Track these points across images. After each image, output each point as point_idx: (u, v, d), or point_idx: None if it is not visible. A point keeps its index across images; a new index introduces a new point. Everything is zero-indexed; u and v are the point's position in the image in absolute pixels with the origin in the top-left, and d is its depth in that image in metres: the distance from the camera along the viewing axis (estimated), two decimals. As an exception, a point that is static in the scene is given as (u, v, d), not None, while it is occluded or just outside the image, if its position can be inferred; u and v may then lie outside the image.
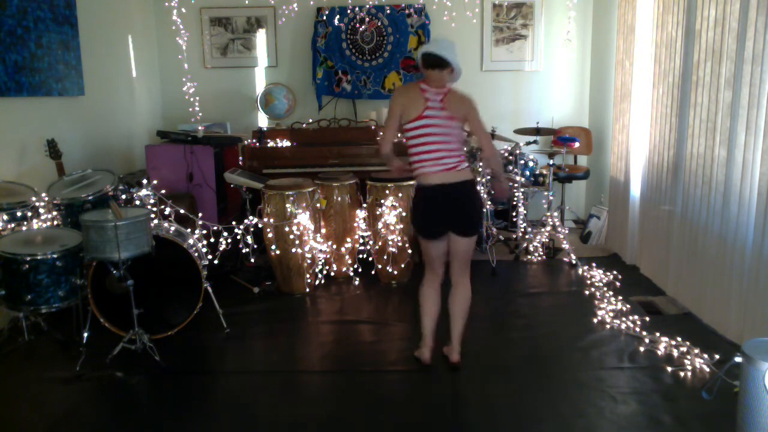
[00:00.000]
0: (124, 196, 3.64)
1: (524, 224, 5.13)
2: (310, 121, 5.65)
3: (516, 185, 4.95)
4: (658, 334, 3.40)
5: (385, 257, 4.32)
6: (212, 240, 4.00)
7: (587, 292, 4.15)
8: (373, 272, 4.53)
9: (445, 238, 3.03)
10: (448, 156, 2.92)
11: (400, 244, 4.27)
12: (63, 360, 3.23)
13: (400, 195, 4.25)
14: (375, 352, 3.36)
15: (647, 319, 3.63)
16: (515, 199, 5.02)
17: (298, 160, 5.05)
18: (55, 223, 3.47)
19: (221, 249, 4.07)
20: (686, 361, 3.12)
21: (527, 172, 5.17)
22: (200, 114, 5.75)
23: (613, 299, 3.95)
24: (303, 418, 2.72)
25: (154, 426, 2.69)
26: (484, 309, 4.03)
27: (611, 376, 3.01)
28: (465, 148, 3.02)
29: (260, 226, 4.17)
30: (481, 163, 4.81)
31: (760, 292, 3.05)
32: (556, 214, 5.06)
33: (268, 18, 5.89)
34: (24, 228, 3.34)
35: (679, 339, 3.33)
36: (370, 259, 4.51)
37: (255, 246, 4.23)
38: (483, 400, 2.84)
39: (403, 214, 4.23)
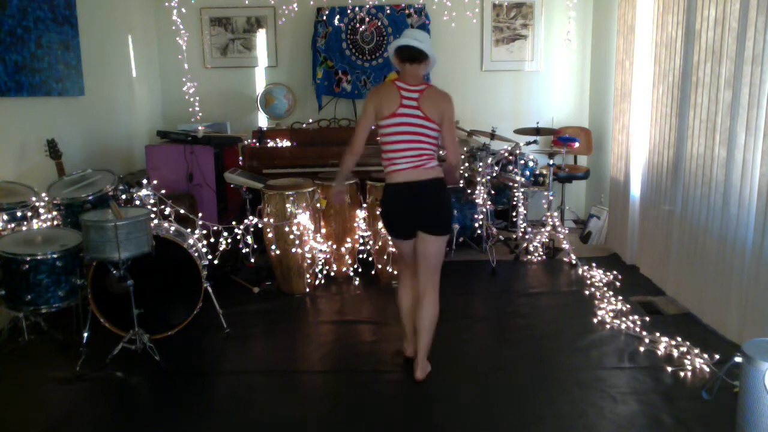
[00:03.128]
0: (124, 196, 3.64)
1: (524, 224, 5.13)
2: (310, 121, 5.65)
3: (516, 185, 4.95)
4: (658, 334, 3.40)
5: (385, 257, 4.32)
6: (212, 240, 4.00)
7: (587, 292, 4.15)
8: (373, 272, 4.53)
9: (414, 238, 2.98)
10: (418, 156, 2.85)
11: (400, 244, 4.27)
12: (63, 360, 3.23)
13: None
14: (374, 352, 3.36)
15: (647, 319, 3.63)
16: (515, 199, 5.02)
17: (298, 160, 5.05)
18: (55, 223, 3.47)
19: (221, 249, 4.07)
20: (686, 361, 3.12)
21: (527, 172, 5.17)
22: (200, 114, 5.75)
23: (613, 299, 3.95)
24: (303, 418, 2.72)
25: (154, 426, 2.69)
26: (484, 309, 4.03)
27: (611, 376, 3.01)
28: (437, 150, 2.92)
29: (260, 226, 4.17)
30: (480, 164, 4.81)
31: (760, 292, 3.05)
32: (556, 214, 5.06)
33: (268, 18, 5.89)
34: (24, 228, 3.34)
35: (679, 339, 3.33)
36: (370, 259, 4.51)
37: (255, 246, 4.23)
38: (483, 400, 2.84)
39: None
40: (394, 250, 4.27)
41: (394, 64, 2.92)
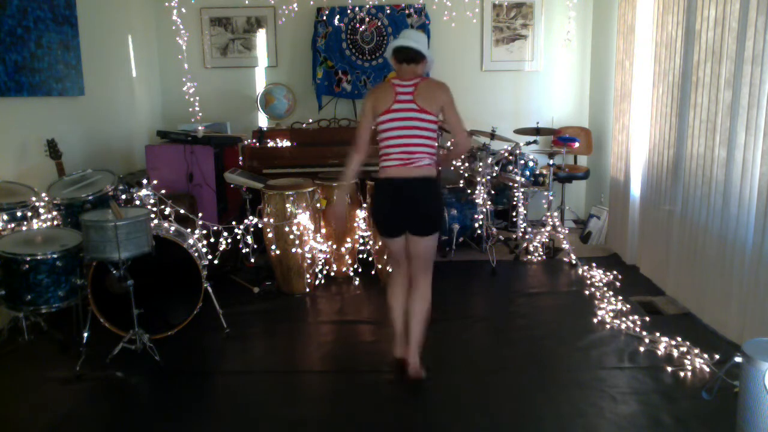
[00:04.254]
0: (124, 196, 3.64)
1: (524, 224, 5.13)
2: (310, 121, 5.65)
3: (516, 185, 4.95)
4: (658, 334, 3.40)
5: (385, 257, 4.32)
6: (212, 240, 4.00)
7: (587, 292, 4.15)
8: (373, 272, 4.53)
9: (404, 236, 2.94)
10: (412, 152, 2.81)
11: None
12: (63, 360, 3.23)
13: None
14: (374, 352, 3.36)
15: (647, 319, 3.63)
16: (515, 199, 5.02)
17: (298, 160, 5.05)
18: (55, 223, 3.47)
19: (221, 249, 4.07)
20: (686, 361, 3.12)
21: (527, 172, 5.17)
22: (200, 114, 5.75)
23: (613, 299, 3.95)
24: (303, 418, 2.72)
25: (154, 426, 2.69)
26: (484, 309, 4.03)
27: (611, 376, 3.01)
28: (434, 149, 2.89)
29: (260, 226, 4.17)
30: (480, 164, 4.81)
31: (760, 292, 3.05)
32: (556, 214, 5.06)
33: (268, 18, 5.89)
34: (24, 228, 3.34)
35: (679, 339, 3.33)
36: (370, 259, 4.51)
37: (255, 246, 4.23)
38: (483, 400, 2.84)
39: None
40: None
41: (392, 64, 2.92)
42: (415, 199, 2.84)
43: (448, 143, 4.84)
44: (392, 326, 3.08)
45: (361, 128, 2.94)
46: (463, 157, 5.10)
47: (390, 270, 3.07)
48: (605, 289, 4.17)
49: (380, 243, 4.31)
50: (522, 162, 5.06)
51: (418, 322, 2.95)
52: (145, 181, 3.82)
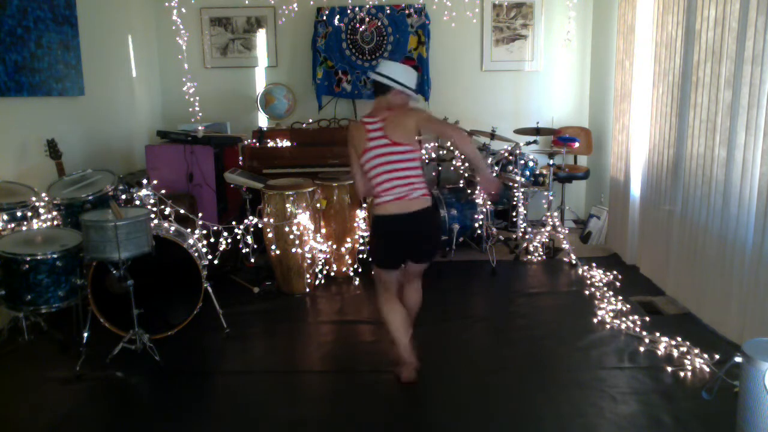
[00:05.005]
0: (124, 196, 3.64)
1: (524, 224, 5.13)
2: (310, 121, 5.65)
3: (516, 185, 4.95)
4: (658, 334, 3.40)
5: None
6: (212, 240, 4.00)
7: (587, 292, 4.15)
8: (373, 272, 4.52)
9: (402, 266, 2.99)
10: (399, 185, 2.81)
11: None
12: (63, 360, 3.23)
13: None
14: (374, 352, 3.36)
15: (647, 319, 3.63)
16: (515, 199, 5.02)
17: (298, 160, 5.05)
18: (55, 223, 3.47)
19: (221, 249, 4.07)
20: (686, 361, 3.12)
21: (527, 172, 5.17)
22: (200, 114, 5.74)
23: (613, 299, 3.95)
24: (303, 418, 2.72)
25: (154, 426, 2.69)
26: (484, 309, 4.03)
27: (611, 376, 3.01)
28: (422, 172, 2.89)
29: (260, 226, 4.17)
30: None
31: (760, 292, 3.05)
32: (556, 214, 5.06)
33: (268, 18, 5.89)
34: (24, 228, 3.34)
35: (679, 339, 3.33)
36: (370, 259, 4.50)
37: (255, 246, 4.23)
38: (483, 399, 2.84)
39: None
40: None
41: None
42: (416, 233, 2.88)
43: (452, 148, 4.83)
44: (395, 340, 2.95)
45: (354, 170, 2.98)
46: (463, 156, 5.10)
47: (381, 293, 3.01)
48: (605, 289, 4.17)
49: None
50: (522, 162, 5.05)
51: (411, 314, 3.02)
52: (145, 181, 3.82)
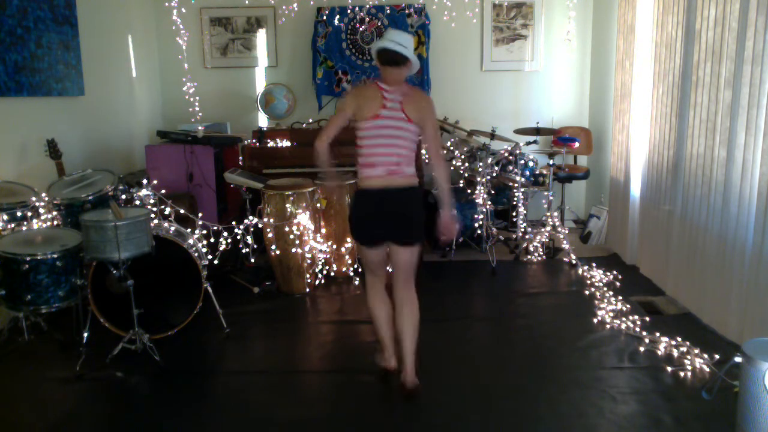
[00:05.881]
0: (124, 196, 3.64)
1: (524, 224, 5.13)
2: (310, 121, 5.65)
3: (516, 185, 4.95)
4: (658, 334, 3.40)
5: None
6: (212, 240, 4.00)
7: (587, 292, 4.15)
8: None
9: (384, 246, 2.86)
10: (396, 161, 2.74)
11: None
12: (63, 360, 3.23)
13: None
14: (375, 352, 3.35)
15: (647, 319, 3.63)
16: (515, 199, 5.02)
17: (298, 160, 5.04)
18: (55, 223, 3.47)
19: (221, 249, 4.07)
20: (686, 361, 3.12)
21: (527, 172, 5.18)
22: (200, 114, 5.75)
23: (613, 299, 3.95)
24: (303, 418, 2.72)
25: (154, 426, 2.69)
26: (484, 309, 4.03)
27: (611, 376, 3.01)
28: (413, 156, 2.82)
29: (260, 226, 4.17)
30: (480, 164, 4.81)
31: (760, 292, 3.05)
32: (556, 214, 5.06)
33: (268, 18, 5.89)
34: (24, 228, 3.34)
35: (679, 339, 3.33)
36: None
37: (255, 246, 4.23)
38: (483, 400, 2.84)
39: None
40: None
41: (377, 65, 2.83)
42: (399, 209, 2.77)
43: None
44: (377, 336, 2.96)
45: (331, 126, 2.79)
46: (463, 156, 5.10)
47: (367, 279, 2.97)
48: (605, 289, 4.17)
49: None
50: (522, 162, 5.06)
51: (411, 338, 2.86)
52: (145, 181, 3.82)
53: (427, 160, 5.50)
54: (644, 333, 3.44)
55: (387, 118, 2.74)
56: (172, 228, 3.61)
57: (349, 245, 4.48)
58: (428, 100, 2.85)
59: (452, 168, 5.34)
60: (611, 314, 3.72)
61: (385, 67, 2.76)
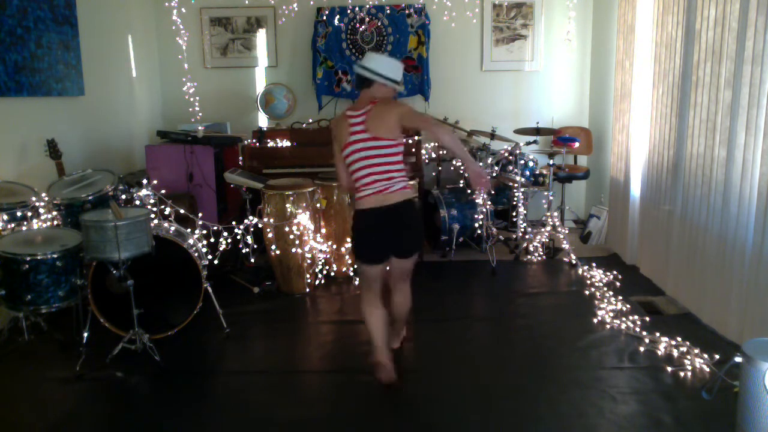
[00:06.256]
0: (124, 196, 3.64)
1: (524, 224, 5.13)
2: (310, 121, 5.65)
3: (516, 185, 4.95)
4: (658, 334, 3.40)
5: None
6: (212, 240, 4.00)
7: (587, 292, 4.15)
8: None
9: (384, 264, 2.95)
10: (386, 178, 2.81)
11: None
12: (63, 360, 3.23)
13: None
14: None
15: (647, 319, 3.63)
16: (515, 199, 5.02)
17: (298, 160, 5.04)
18: (55, 223, 3.47)
19: (221, 249, 4.07)
20: (686, 361, 3.12)
21: (527, 172, 5.17)
22: (200, 114, 5.75)
23: (613, 299, 3.95)
24: (303, 418, 2.72)
25: (154, 426, 2.69)
26: (484, 309, 4.03)
27: (611, 376, 3.01)
28: (403, 166, 2.88)
29: (260, 226, 4.17)
30: (480, 164, 4.81)
31: (760, 292, 3.05)
32: (556, 214, 5.06)
33: (268, 18, 5.89)
34: (24, 228, 3.34)
35: (679, 339, 3.33)
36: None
37: (255, 246, 4.23)
38: (483, 400, 2.84)
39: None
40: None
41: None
42: (397, 225, 2.85)
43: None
44: (373, 341, 2.97)
45: (338, 163, 2.97)
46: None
47: (362, 290, 3.02)
48: (605, 289, 4.17)
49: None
50: (522, 162, 5.06)
51: (401, 321, 3.03)
52: (145, 181, 3.82)
53: (427, 157, 5.52)
54: (644, 333, 3.44)
55: (357, 142, 2.83)
56: (172, 228, 3.61)
57: (349, 245, 4.48)
58: (393, 105, 2.86)
59: (452, 168, 5.34)
60: (611, 314, 3.72)
61: (360, 89, 2.90)
